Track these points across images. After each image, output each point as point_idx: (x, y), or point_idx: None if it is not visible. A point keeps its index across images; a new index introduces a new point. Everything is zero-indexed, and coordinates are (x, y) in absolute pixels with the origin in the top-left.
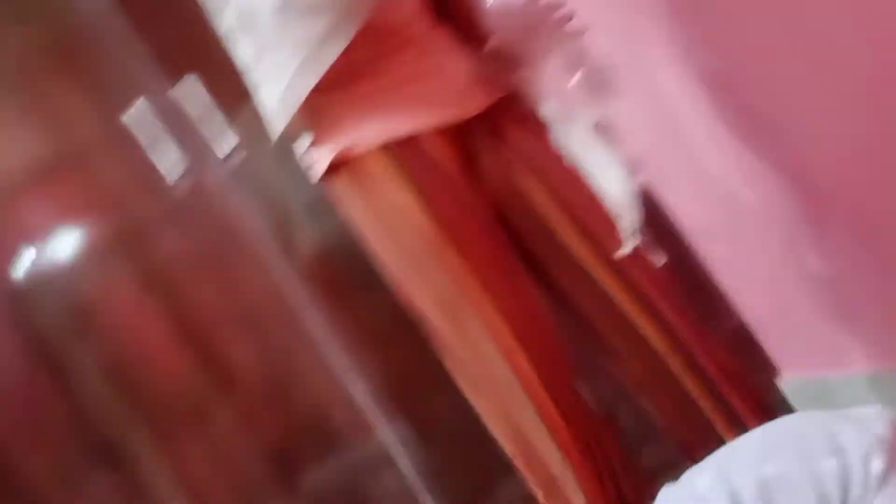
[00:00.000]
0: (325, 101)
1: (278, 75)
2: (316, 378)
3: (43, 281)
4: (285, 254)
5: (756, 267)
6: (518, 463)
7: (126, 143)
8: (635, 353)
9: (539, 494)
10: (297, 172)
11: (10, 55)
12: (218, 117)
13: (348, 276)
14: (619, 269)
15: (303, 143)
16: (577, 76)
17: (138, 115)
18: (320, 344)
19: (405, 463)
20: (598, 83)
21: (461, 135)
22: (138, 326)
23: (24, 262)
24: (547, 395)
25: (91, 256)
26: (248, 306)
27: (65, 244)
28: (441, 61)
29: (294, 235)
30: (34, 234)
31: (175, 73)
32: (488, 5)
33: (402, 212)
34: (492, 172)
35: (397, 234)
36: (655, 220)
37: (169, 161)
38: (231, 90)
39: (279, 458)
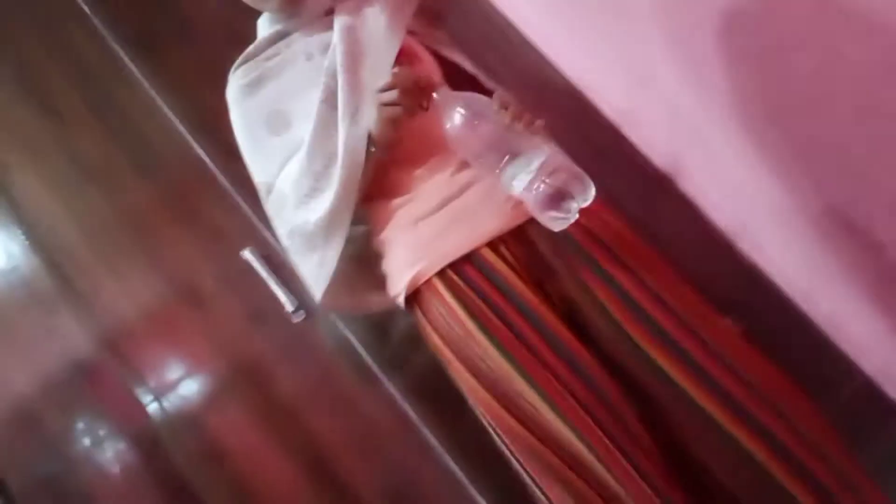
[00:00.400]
0: (383, 240)
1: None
2: (438, 491)
3: (171, 419)
4: (397, 372)
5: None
6: None
7: (237, 282)
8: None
9: None
10: None
11: (132, 206)
12: None
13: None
14: (699, 372)
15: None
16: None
17: (250, 256)
18: (441, 456)
19: None
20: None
21: (522, 231)
22: (263, 457)
23: (153, 403)
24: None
25: (213, 392)
26: (367, 426)
27: (189, 382)
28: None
29: (402, 354)
30: (160, 374)
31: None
32: (447, 129)
33: (465, 339)
34: (558, 265)
35: (466, 361)
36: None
37: (280, 297)
38: None
39: None
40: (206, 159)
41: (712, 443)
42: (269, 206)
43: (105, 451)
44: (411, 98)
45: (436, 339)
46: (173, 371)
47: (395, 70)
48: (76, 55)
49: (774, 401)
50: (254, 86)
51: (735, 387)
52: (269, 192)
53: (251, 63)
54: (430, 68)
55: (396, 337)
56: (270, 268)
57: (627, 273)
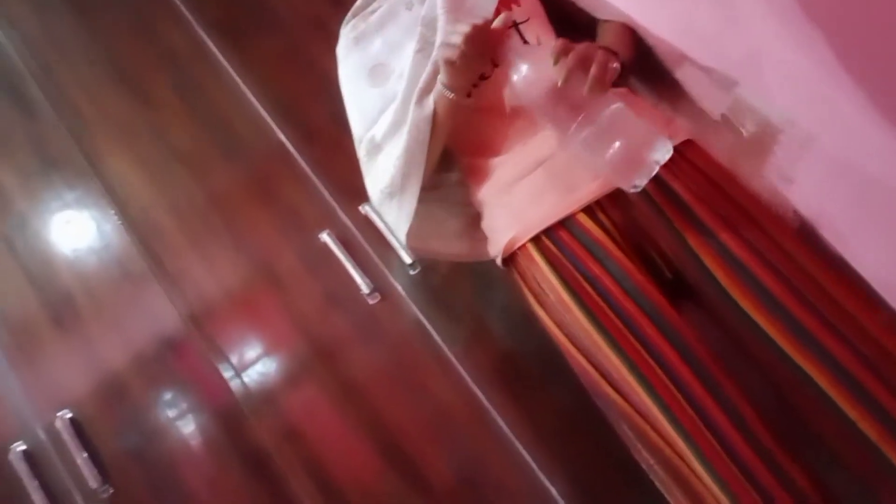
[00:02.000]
0: (479, 200)
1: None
2: (509, 475)
3: (251, 395)
4: (471, 353)
5: None
6: None
7: (316, 264)
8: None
9: None
10: (471, 276)
11: (218, 188)
12: (394, 238)
13: (532, 370)
14: (801, 335)
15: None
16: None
17: (328, 238)
18: (510, 440)
19: None
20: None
21: (621, 195)
22: (338, 436)
23: (234, 379)
24: (732, 486)
25: (291, 371)
26: (439, 409)
27: (268, 360)
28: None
29: (475, 336)
30: (242, 351)
31: (352, 204)
32: (514, 85)
33: (559, 306)
34: (654, 226)
35: (562, 328)
36: None
37: (356, 279)
38: None
39: None
40: (288, 144)
41: (829, 420)
42: (361, 157)
43: (189, 423)
44: (472, 46)
45: (532, 303)
46: (254, 349)
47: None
48: (163, 41)
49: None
50: (359, 40)
51: (853, 364)
52: (362, 143)
53: (358, 18)
54: (531, 13)
55: (470, 321)
56: (347, 250)
57: (733, 233)
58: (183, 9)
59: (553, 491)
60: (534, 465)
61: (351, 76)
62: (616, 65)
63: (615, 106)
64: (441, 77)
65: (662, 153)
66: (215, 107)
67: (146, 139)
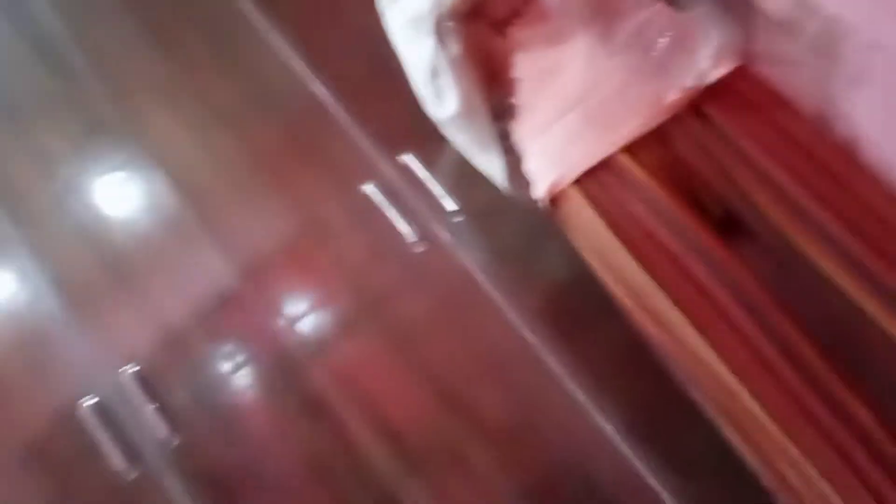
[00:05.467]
0: (519, 139)
1: (479, 160)
2: (563, 414)
3: (305, 344)
4: (518, 296)
5: None
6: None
7: (360, 215)
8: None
9: None
10: (514, 220)
11: (260, 145)
12: (436, 185)
13: (583, 309)
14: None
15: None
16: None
17: (372, 189)
18: (563, 380)
19: (667, 497)
20: None
21: (664, 133)
22: (394, 381)
23: (288, 329)
24: (788, 424)
25: (343, 320)
26: (489, 352)
27: (320, 310)
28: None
29: (523, 279)
30: (294, 303)
31: (392, 154)
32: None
33: (605, 249)
34: (700, 163)
35: (610, 270)
36: None
37: (401, 228)
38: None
39: (537, 494)
40: (325, 97)
41: (890, 353)
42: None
43: (248, 373)
44: None
45: (577, 245)
46: (305, 299)
47: None
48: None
49: None
50: None
51: None
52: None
53: None
54: None
55: (517, 263)
56: (390, 201)
57: (783, 165)
58: None
59: (608, 429)
60: (588, 404)
61: (395, 28)
62: None
63: (655, 6)
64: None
65: (709, 47)
66: (251, 63)
67: (187, 100)
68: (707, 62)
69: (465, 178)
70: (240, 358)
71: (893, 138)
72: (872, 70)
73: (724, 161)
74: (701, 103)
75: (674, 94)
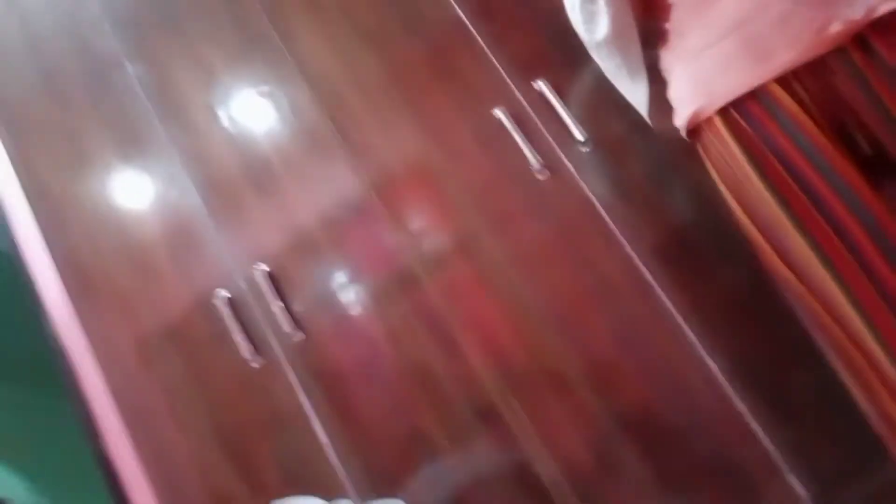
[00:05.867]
0: (665, 66)
1: (625, 87)
2: (669, 348)
3: (427, 259)
4: (638, 231)
5: None
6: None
7: (488, 138)
8: None
9: None
10: (642, 156)
11: (400, 63)
12: (567, 114)
13: (703, 252)
14: None
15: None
16: None
17: (502, 113)
18: (674, 316)
19: (767, 441)
20: None
21: (824, 66)
22: (505, 302)
23: (411, 244)
24: None
25: (462, 240)
26: (602, 283)
27: (441, 229)
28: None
29: (645, 214)
30: (418, 219)
31: (526, 80)
32: None
33: (742, 182)
34: (858, 100)
35: (744, 204)
36: None
37: (528, 154)
38: (571, 91)
39: (636, 424)
40: (466, 20)
41: None
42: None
43: (368, 281)
44: None
45: (715, 179)
46: (428, 217)
47: None
48: None
49: None
50: None
51: None
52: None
53: None
54: None
55: (641, 199)
56: (519, 126)
57: None
58: None
59: (713, 366)
60: (695, 340)
61: None
62: None
63: None
64: None
65: None
66: None
67: (333, 17)
68: None
69: (597, 108)
70: (362, 266)
71: None
72: None
73: (884, 98)
74: (867, 36)
75: (839, 25)
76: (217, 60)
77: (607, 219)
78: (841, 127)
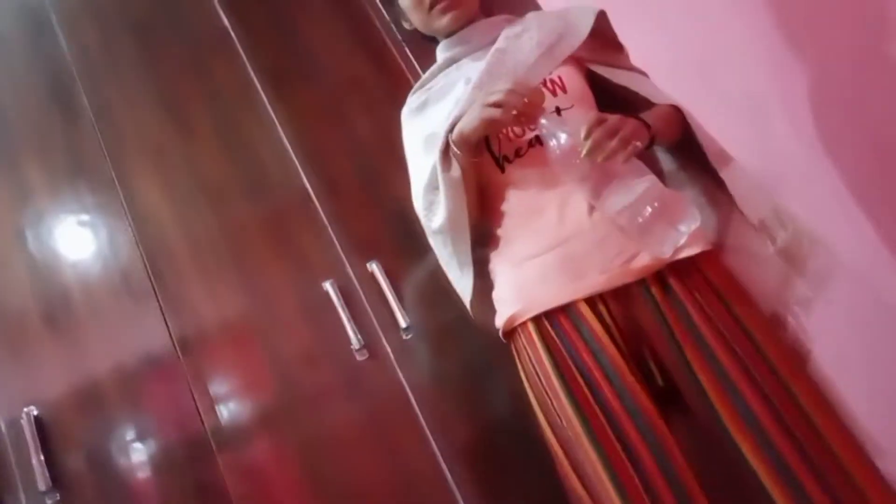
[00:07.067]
0: (492, 269)
1: (454, 276)
2: None
3: (223, 429)
4: (447, 425)
5: None
6: None
7: (313, 311)
8: None
9: None
10: (461, 351)
11: (235, 223)
12: (394, 298)
13: (507, 454)
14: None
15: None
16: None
17: (331, 288)
18: None
19: None
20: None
21: (627, 294)
22: (300, 486)
23: (210, 410)
24: None
25: (268, 413)
26: (404, 477)
27: (247, 398)
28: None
29: (456, 411)
30: (222, 384)
31: (361, 259)
32: (550, 152)
33: (547, 392)
34: (653, 331)
35: (547, 414)
36: None
37: (349, 332)
38: (402, 277)
39: None
40: (311, 191)
41: None
42: (419, 209)
43: (152, 445)
44: (512, 97)
45: (523, 381)
46: (234, 384)
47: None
48: (215, 77)
49: None
50: (420, 109)
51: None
52: (419, 200)
53: (423, 89)
54: (577, 101)
55: (454, 395)
56: (346, 303)
57: (732, 355)
58: (240, 49)
59: None
60: None
61: (410, 144)
62: (640, 143)
63: (648, 177)
64: (467, 129)
65: (690, 224)
66: (250, 146)
67: (176, 164)
68: (683, 239)
69: (426, 297)
70: (152, 426)
71: (843, 354)
72: (834, 287)
73: (675, 334)
74: (667, 275)
75: (646, 259)
76: (38, 180)
77: (418, 411)
78: (638, 353)
